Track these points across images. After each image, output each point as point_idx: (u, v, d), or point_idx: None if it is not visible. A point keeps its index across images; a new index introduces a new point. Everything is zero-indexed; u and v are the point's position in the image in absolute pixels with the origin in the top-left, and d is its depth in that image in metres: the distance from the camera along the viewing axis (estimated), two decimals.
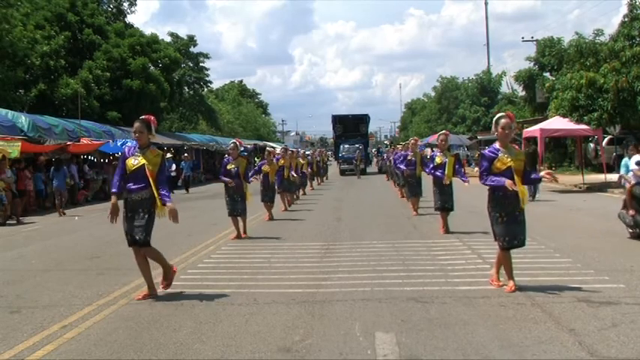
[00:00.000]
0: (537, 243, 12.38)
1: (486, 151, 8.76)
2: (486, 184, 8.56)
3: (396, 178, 26.25)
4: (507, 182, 8.25)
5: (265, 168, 18.82)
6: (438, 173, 14.69)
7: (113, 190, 8.89)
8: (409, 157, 19.11)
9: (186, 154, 39.80)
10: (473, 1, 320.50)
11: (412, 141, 19.50)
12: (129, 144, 9.40)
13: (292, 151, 25.67)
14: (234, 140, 15.43)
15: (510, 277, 8.58)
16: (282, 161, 21.36)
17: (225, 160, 15.24)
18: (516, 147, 8.92)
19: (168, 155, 36.35)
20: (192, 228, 17.20)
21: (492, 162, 8.50)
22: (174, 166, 36.07)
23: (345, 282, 9.48)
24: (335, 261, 11.41)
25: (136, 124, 8.93)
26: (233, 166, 14.72)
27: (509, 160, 8.40)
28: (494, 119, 8.71)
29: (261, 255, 12.39)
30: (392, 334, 6.72)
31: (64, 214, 23.52)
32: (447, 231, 14.39)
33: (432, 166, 14.92)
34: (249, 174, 16.58)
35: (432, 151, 15.78)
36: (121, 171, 8.84)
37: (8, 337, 7.13)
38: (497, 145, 8.60)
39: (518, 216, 8.48)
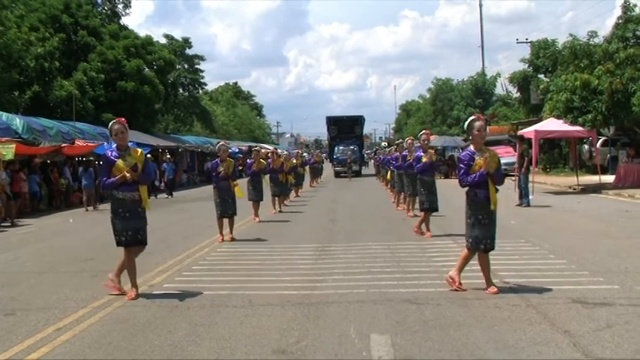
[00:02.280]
0: (532, 244, 12.41)
1: (463, 155, 8.85)
2: (467, 184, 8.64)
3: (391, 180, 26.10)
4: (485, 164, 8.43)
5: (255, 167, 19.01)
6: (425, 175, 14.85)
7: (110, 185, 8.94)
8: (408, 158, 18.83)
9: (168, 156, 38.47)
10: (467, 3, 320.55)
11: (409, 141, 19.38)
12: (111, 146, 9.42)
13: (284, 153, 25.81)
14: (222, 142, 15.52)
15: (457, 273, 8.71)
16: (274, 164, 22.06)
17: (214, 162, 15.23)
18: (490, 149, 8.91)
19: (148, 156, 35.52)
20: (187, 230, 17.21)
21: (470, 165, 8.58)
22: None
23: (340, 284, 9.48)
24: (330, 263, 11.41)
25: (117, 126, 8.94)
26: (223, 167, 14.75)
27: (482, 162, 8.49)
28: (468, 123, 8.75)
29: (255, 257, 12.39)
30: (387, 336, 6.72)
31: (95, 208, 25.82)
32: (428, 233, 14.46)
33: (420, 165, 14.88)
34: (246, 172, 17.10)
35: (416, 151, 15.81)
36: (107, 173, 8.94)
37: (2, 339, 7.10)
38: (472, 147, 8.68)
39: (486, 219, 8.55)
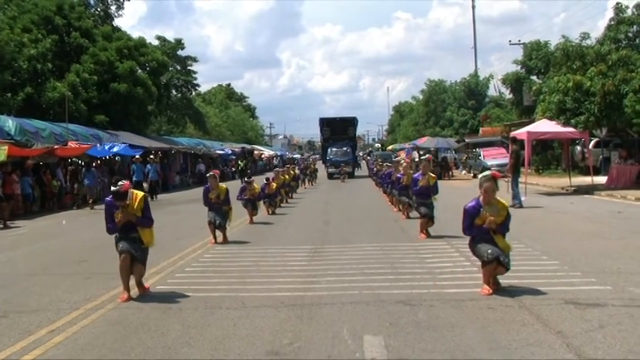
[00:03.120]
0: (525, 246, 12.41)
1: (469, 207, 8.87)
2: (470, 235, 8.91)
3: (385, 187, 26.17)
4: (488, 222, 8.59)
5: (248, 194, 18.86)
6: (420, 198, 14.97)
7: (112, 231, 9.31)
8: (402, 181, 18.94)
9: (152, 156, 36.23)
10: (460, 5, 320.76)
11: (404, 163, 19.72)
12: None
13: (280, 170, 25.60)
14: (212, 173, 15.46)
15: (485, 282, 8.66)
16: (274, 185, 22.28)
17: (205, 188, 15.15)
18: (500, 202, 8.88)
19: (137, 155, 33.44)
20: (180, 232, 17.17)
21: (474, 218, 8.72)
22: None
23: (334, 285, 9.49)
24: (323, 264, 11.42)
25: (118, 194, 9.06)
26: (214, 194, 14.82)
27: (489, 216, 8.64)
28: (480, 176, 8.78)
29: (249, 258, 12.39)
30: (380, 337, 6.74)
31: (94, 208, 26.09)
32: (428, 235, 14.49)
33: (416, 188, 15.00)
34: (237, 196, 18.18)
35: (416, 172, 15.89)
36: (111, 220, 9.20)
37: None
38: (480, 199, 8.71)
39: (483, 239, 8.71)
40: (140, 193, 9.36)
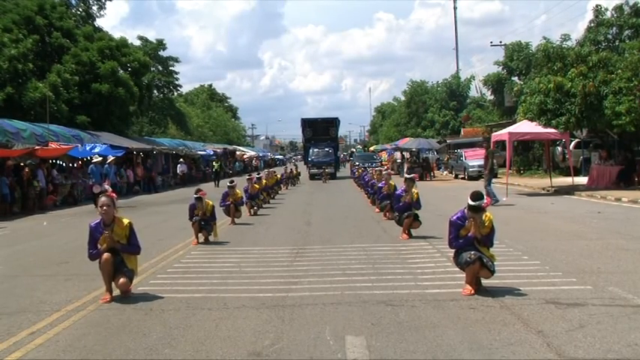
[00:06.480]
0: (506, 246, 12.47)
1: (454, 219, 8.89)
2: (456, 248, 8.89)
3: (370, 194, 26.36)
4: (472, 231, 8.65)
5: (230, 199, 18.77)
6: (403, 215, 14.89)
7: (95, 256, 9.15)
8: (383, 190, 19.33)
9: (112, 157, 33.32)
10: (441, 6, 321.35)
11: (386, 175, 20.12)
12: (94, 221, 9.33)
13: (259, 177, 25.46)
14: (199, 195, 15.11)
15: (468, 282, 8.69)
16: (257, 186, 22.65)
17: (191, 204, 15.03)
18: (486, 214, 8.88)
19: (97, 159, 30.11)
20: (162, 232, 17.12)
21: (459, 230, 8.76)
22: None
23: (316, 286, 9.49)
24: (305, 265, 11.42)
25: (103, 199, 9.10)
26: (201, 211, 14.73)
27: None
28: (472, 197, 8.65)
29: (231, 259, 12.36)
30: (362, 338, 6.75)
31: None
32: (410, 235, 14.55)
33: (400, 205, 14.93)
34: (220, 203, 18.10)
35: (397, 189, 15.96)
36: (94, 246, 9.11)
37: None
38: (465, 212, 8.73)
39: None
40: (126, 220, 9.31)
